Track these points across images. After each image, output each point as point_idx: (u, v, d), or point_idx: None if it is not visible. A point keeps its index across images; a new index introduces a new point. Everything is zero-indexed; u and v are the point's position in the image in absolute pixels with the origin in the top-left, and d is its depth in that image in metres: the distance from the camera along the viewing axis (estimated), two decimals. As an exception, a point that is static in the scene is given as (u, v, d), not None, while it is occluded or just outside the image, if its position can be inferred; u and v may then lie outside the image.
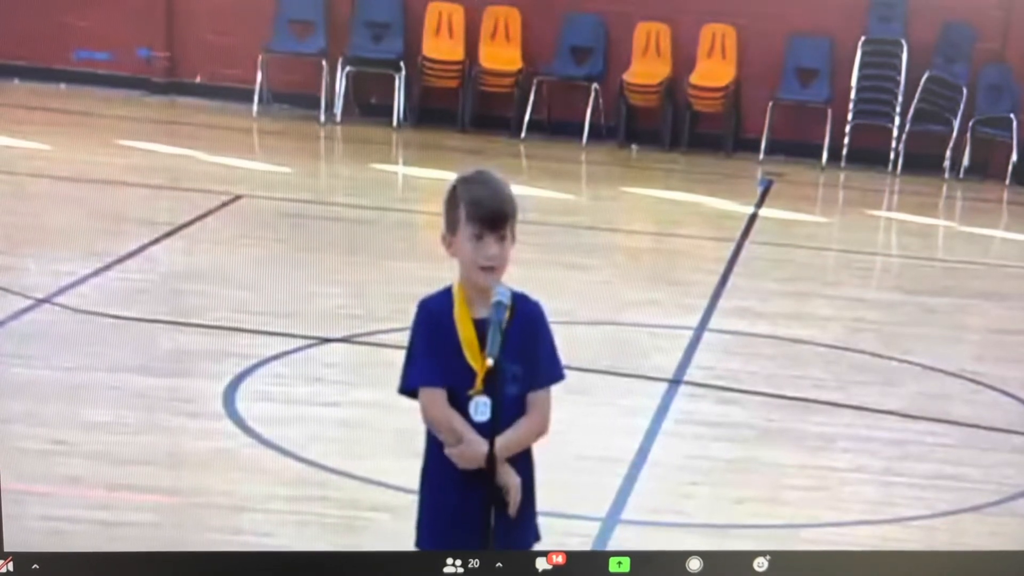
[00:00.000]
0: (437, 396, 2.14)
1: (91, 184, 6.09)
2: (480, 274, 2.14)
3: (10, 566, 2.02)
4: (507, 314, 2.08)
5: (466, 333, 2.15)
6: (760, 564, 2.09)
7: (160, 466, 3.44)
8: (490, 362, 2.05)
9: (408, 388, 2.20)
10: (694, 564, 2.09)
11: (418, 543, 2.23)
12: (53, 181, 6.11)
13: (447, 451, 2.15)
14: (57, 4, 7.65)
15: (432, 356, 2.15)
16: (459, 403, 2.16)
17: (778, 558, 2.10)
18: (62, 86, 7.76)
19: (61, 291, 4.58)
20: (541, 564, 2.08)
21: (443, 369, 2.15)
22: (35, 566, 2.02)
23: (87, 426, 3.58)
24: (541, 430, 2.19)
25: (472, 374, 2.15)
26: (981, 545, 3.27)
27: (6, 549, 2.02)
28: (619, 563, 2.08)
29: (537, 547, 2.21)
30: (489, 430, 2.09)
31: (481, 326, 2.11)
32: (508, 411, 2.14)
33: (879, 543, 3.26)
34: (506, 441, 2.12)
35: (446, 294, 2.18)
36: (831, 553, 2.55)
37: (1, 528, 2.02)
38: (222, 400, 3.82)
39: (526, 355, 2.15)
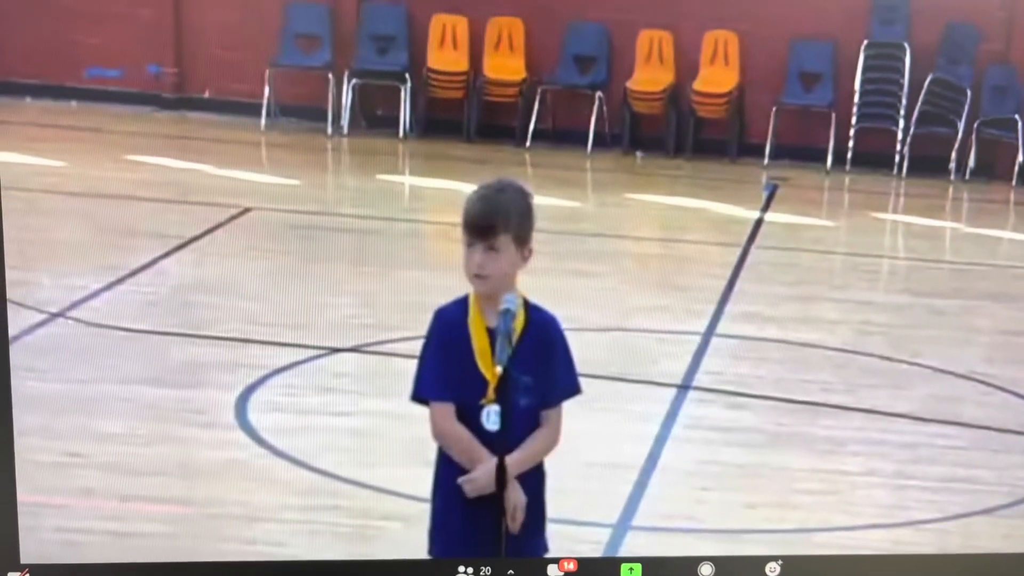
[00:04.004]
0: (447, 411, 2.16)
1: (102, 199, 6.13)
2: (474, 281, 2.17)
3: (27, 578, 2.03)
4: (515, 322, 2.10)
5: (480, 342, 2.16)
6: (772, 569, 2.10)
7: (173, 477, 3.45)
8: (499, 370, 2.06)
9: (419, 396, 2.22)
10: (706, 569, 2.10)
11: (431, 552, 2.24)
12: (65, 197, 6.14)
13: (463, 482, 2.14)
14: (67, 22, 7.71)
15: (444, 366, 2.17)
16: (472, 412, 2.17)
17: (790, 563, 2.10)
18: (73, 103, 7.81)
19: (74, 305, 4.61)
20: (553, 571, 2.08)
21: (455, 380, 2.16)
22: (52, 578, 2.03)
23: (100, 438, 3.60)
24: (552, 445, 2.20)
25: (486, 384, 2.16)
26: (994, 548, 3.26)
27: (23, 561, 2.04)
28: (631, 569, 2.09)
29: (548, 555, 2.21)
30: (500, 439, 2.10)
31: (494, 335, 2.12)
32: (518, 422, 2.15)
33: (891, 547, 3.25)
34: (520, 457, 2.13)
35: (462, 303, 2.20)
36: (843, 557, 2.55)
37: (18, 540, 2.04)
38: (234, 411, 3.84)
39: (538, 367, 2.16)
